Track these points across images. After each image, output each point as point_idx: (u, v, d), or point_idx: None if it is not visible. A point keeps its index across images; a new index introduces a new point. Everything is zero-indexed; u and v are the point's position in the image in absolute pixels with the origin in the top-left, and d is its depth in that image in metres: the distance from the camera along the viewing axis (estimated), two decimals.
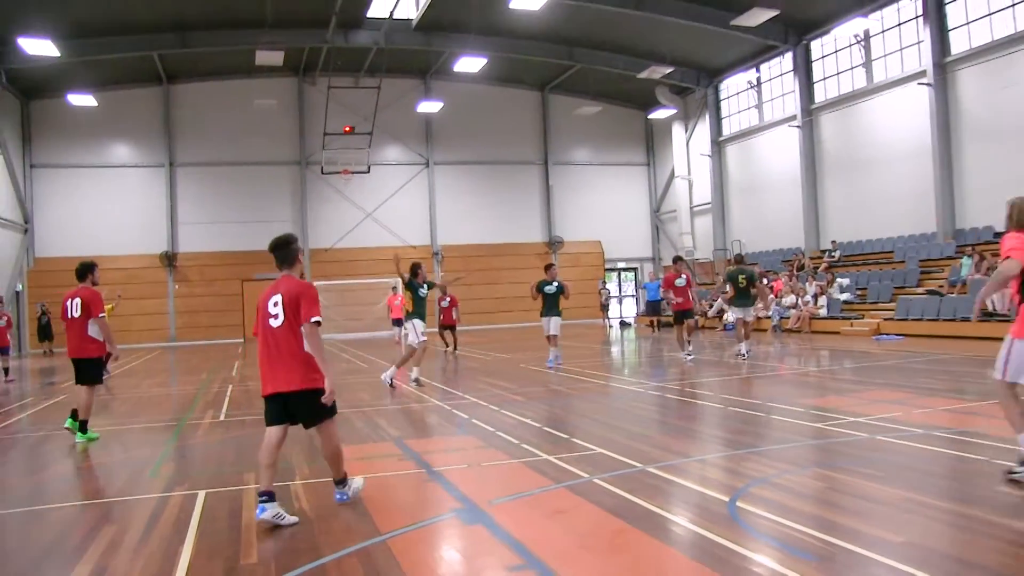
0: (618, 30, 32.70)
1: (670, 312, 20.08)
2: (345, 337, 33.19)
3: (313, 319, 6.11)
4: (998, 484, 6.11)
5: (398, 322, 27.00)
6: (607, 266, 41.20)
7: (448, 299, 23.50)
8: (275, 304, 6.19)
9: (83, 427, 10.17)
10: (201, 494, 7.09)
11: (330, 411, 6.30)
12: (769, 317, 26.25)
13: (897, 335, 20.90)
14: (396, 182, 38.87)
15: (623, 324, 35.21)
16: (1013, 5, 23.37)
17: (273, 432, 6.25)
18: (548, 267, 17.50)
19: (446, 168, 39.40)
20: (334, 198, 38.03)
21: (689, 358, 16.64)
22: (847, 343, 20.31)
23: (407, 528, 5.74)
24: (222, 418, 11.95)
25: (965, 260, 22.18)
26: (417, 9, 31.55)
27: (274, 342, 6.15)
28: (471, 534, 5.68)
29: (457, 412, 11.31)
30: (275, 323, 6.15)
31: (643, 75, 32.07)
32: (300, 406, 6.20)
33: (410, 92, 37.85)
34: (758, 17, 25.80)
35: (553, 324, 16.94)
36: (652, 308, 27.55)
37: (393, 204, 38.75)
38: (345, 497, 6.54)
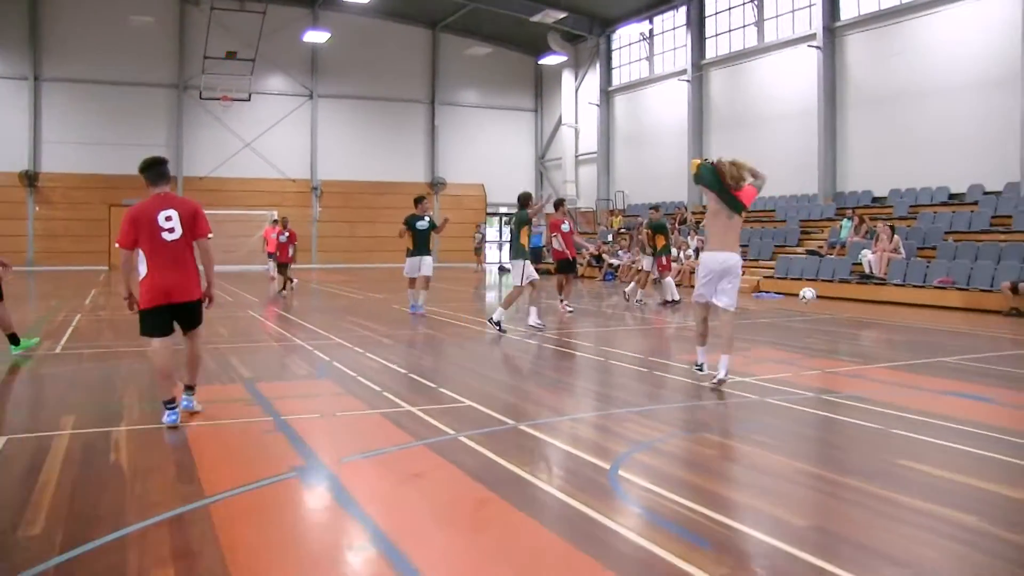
0: None
1: (550, 260, 19.51)
2: (216, 269, 31.30)
3: (209, 234, 6.66)
4: (900, 457, 5.55)
5: (273, 256, 25.25)
6: (489, 210, 40.36)
7: (287, 234, 21.11)
8: (168, 219, 6.36)
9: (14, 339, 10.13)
10: (0, 440, 5.95)
11: (201, 318, 6.80)
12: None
13: (776, 293, 20.83)
14: (278, 113, 36.81)
15: (502, 270, 34.50)
16: None
17: (167, 342, 6.51)
18: (419, 200, 15.51)
19: (330, 101, 37.54)
20: (212, 125, 35.73)
21: (570, 309, 15.82)
22: None
23: (237, 490, 4.78)
24: (58, 350, 10.60)
25: (845, 222, 22.25)
26: None
27: (170, 255, 6.38)
28: (311, 501, 4.78)
29: (318, 353, 10.30)
30: (171, 236, 6.37)
31: (536, 19, 31.06)
32: (188, 314, 6.63)
33: (297, 20, 35.67)
34: None
35: (425, 264, 15.11)
36: (535, 255, 26.82)
37: (274, 135, 36.71)
38: (191, 405, 6.72)
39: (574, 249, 16.38)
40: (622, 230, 31.01)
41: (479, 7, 34.20)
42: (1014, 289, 16.28)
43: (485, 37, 36.92)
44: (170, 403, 6.35)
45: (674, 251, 25.75)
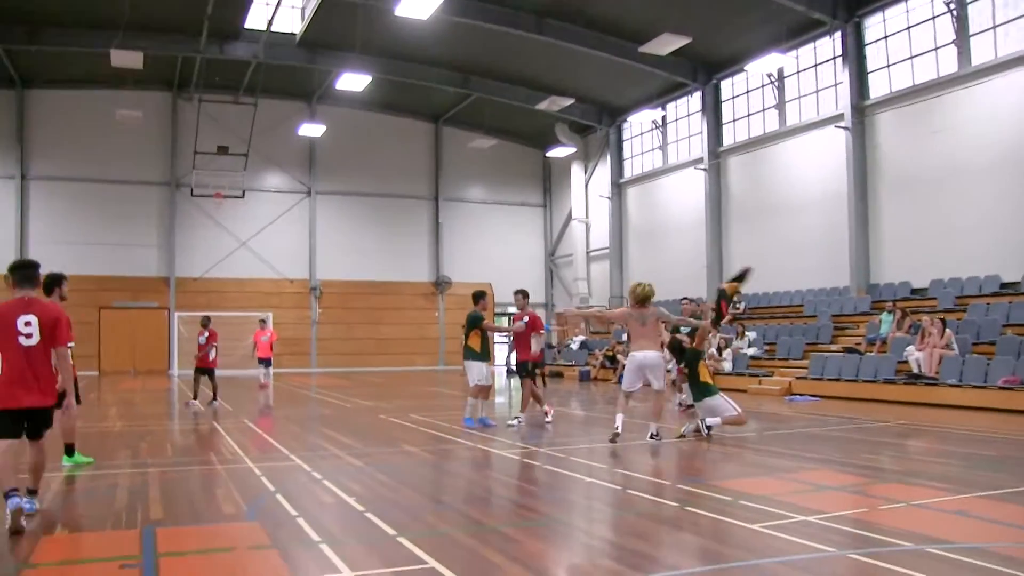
0: (518, 60, 30.40)
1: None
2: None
3: (69, 344, 6.72)
4: None
5: (265, 362, 23.62)
6: (497, 310, 38.37)
7: (205, 334, 18.12)
8: (28, 324, 6.39)
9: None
10: None
11: (50, 423, 6.70)
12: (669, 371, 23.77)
13: (811, 396, 18.62)
14: (275, 211, 35.35)
15: (510, 372, 32.36)
16: (935, 49, 21.86)
17: (8, 444, 6.33)
18: (479, 297, 13.58)
19: (329, 198, 36.13)
20: (206, 224, 34.27)
21: (512, 422, 13.18)
22: (756, 403, 17.86)
23: None
24: None
25: (884, 316, 20.19)
26: (301, 21, 28.70)
27: (26, 360, 6.36)
28: None
29: (264, 480, 8.23)
30: (28, 342, 6.38)
31: (542, 106, 29.68)
32: (36, 420, 6.51)
33: (293, 115, 34.49)
34: (667, 45, 23.63)
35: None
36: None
37: (270, 234, 35.18)
38: (33, 507, 6.49)
39: (528, 350, 13.83)
40: None
41: (483, 97, 33.01)
42: None
43: (490, 130, 35.57)
44: (12, 491, 6.05)
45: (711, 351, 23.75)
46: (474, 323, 12.99)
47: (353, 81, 27.10)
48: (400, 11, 21.60)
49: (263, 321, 23.33)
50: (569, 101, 29.14)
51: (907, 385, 17.53)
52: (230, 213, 34.07)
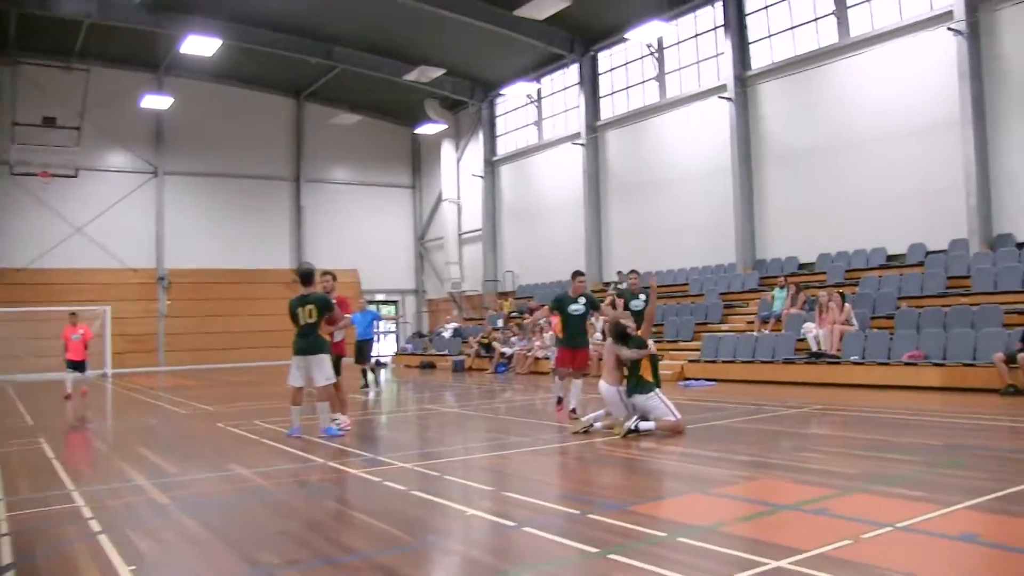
0: (385, 28, 27.83)
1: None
2: (32, 378, 25.70)
3: None
4: None
5: (77, 366, 18.34)
6: (365, 298, 35.77)
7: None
8: None
9: None
10: None
11: None
12: (547, 358, 21.92)
13: (707, 380, 17.02)
14: (116, 192, 31.53)
15: (378, 364, 29.87)
16: (816, 20, 20.67)
17: None
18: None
19: (179, 179, 32.56)
20: (33, 207, 30.13)
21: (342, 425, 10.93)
22: None
23: None
24: None
25: (777, 292, 18.81)
26: None
27: None
28: None
29: (4, 542, 5.65)
30: None
31: (410, 77, 27.21)
32: None
33: (137, 86, 30.47)
34: (545, 7, 21.62)
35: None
36: (360, 350, 18.50)
37: (111, 219, 31.34)
38: None
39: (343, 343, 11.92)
40: (513, 314, 27.04)
41: (348, 70, 30.26)
42: (1011, 361, 12.89)
43: (355, 106, 32.87)
44: None
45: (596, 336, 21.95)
46: (326, 308, 10.46)
47: (200, 45, 24.03)
48: None
49: (73, 314, 19.20)
50: (440, 71, 26.77)
51: (808, 364, 16.10)
52: (62, 195, 30.10)
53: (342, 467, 8.32)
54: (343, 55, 29.71)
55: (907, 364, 14.50)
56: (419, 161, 37.16)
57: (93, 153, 30.58)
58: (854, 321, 16.29)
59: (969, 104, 17.45)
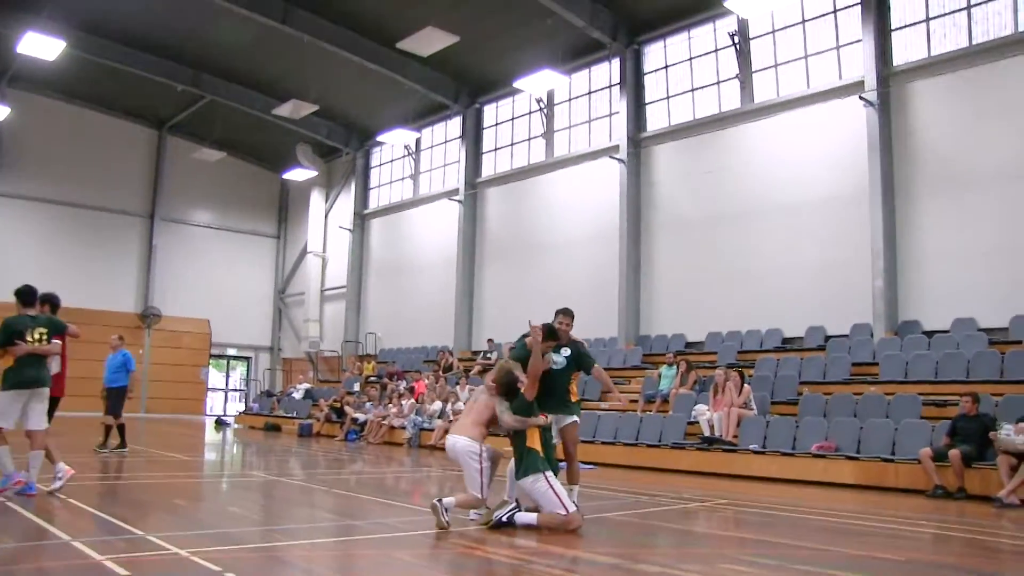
0: (259, 59, 24.86)
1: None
2: None
3: None
4: None
5: None
6: (214, 351, 31.67)
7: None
8: None
9: None
10: None
11: None
12: (403, 428, 18.71)
13: (586, 463, 14.16)
14: None
15: (220, 423, 25.89)
16: (718, 83, 18.91)
17: None
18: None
19: (14, 203, 27.90)
20: None
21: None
22: None
23: None
24: None
25: (665, 370, 16.30)
26: None
27: None
28: None
29: None
30: None
31: (281, 112, 23.93)
32: None
33: None
34: (431, 42, 18.96)
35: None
36: (115, 399, 13.96)
37: None
38: None
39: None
40: (371, 379, 23.72)
41: (217, 103, 26.87)
42: (939, 458, 10.62)
43: (224, 144, 29.25)
44: None
45: (437, 405, 18.91)
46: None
47: (41, 46, 20.01)
48: None
49: None
50: (312, 108, 23.66)
51: (701, 451, 13.50)
52: None
53: (90, 552, 5.02)
54: (211, 84, 26.35)
55: (815, 456, 12.08)
56: (286, 210, 33.69)
57: None
58: (753, 405, 13.88)
59: (879, 179, 15.73)
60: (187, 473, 12.06)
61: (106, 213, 29.72)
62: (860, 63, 16.12)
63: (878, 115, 15.73)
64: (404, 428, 18.66)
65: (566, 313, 8.04)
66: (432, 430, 17.88)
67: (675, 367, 16.10)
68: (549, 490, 6.77)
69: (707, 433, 13.84)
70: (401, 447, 18.27)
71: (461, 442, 7.02)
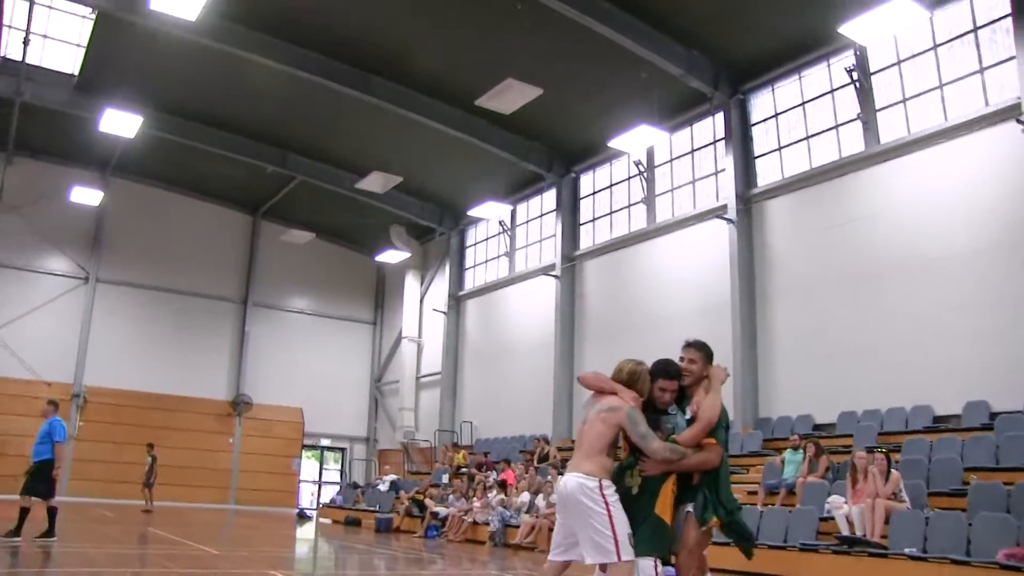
0: (343, 136, 23.61)
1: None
2: None
3: None
4: None
5: None
6: (307, 441, 29.85)
7: None
8: None
9: None
10: None
11: None
12: (487, 523, 16.05)
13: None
14: (39, 295, 26.48)
15: (302, 516, 23.85)
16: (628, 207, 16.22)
17: None
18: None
19: (112, 289, 27.41)
20: None
21: None
22: None
23: None
24: None
25: (789, 455, 13.25)
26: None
27: None
28: None
29: None
30: None
31: (364, 186, 22.49)
32: None
33: (72, 183, 25.86)
34: (512, 97, 16.97)
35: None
36: (39, 475, 11.20)
37: (29, 323, 26.16)
38: None
39: None
40: (462, 469, 21.20)
41: (308, 185, 25.81)
42: None
43: (319, 229, 28.13)
44: None
45: (525, 496, 16.24)
46: None
47: (120, 123, 19.28)
48: (155, 5, 14.50)
49: None
50: (397, 179, 22.13)
51: (838, 554, 10.33)
52: None
53: None
54: (298, 164, 25.27)
55: (1004, 567, 8.80)
56: (382, 295, 32.05)
57: (14, 248, 25.78)
58: (905, 496, 10.67)
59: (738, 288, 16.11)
60: (211, 570, 9.78)
61: (200, 299, 28.76)
62: (1017, 81, 13.12)
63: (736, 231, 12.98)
64: (488, 523, 16.00)
65: (699, 348, 5.28)
66: (519, 527, 15.17)
67: (801, 451, 13.00)
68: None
69: (845, 531, 10.70)
70: (483, 545, 15.60)
71: (572, 482, 4.70)
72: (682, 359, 5.14)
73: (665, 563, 4.88)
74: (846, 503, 11.03)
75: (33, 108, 22.08)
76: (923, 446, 12.46)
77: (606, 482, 4.69)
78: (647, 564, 4.63)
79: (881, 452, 11.03)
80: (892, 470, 10.78)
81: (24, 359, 25.90)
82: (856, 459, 11.16)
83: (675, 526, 4.95)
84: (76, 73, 22.27)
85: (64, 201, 24.93)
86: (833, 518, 11.07)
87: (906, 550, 9.69)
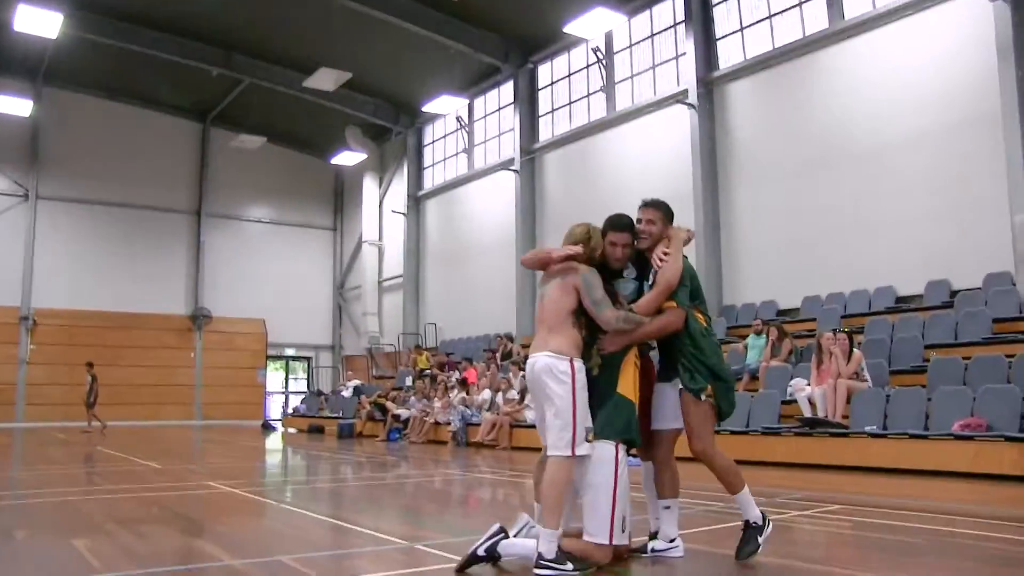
0: (291, 34, 22.54)
1: None
2: None
3: None
4: None
5: None
6: (271, 351, 29.58)
7: None
8: None
9: None
10: None
11: None
12: (449, 423, 15.98)
13: (636, 456, 11.17)
14: None
15: (266, 427, 23.79)
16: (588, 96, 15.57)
17: None
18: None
19: (55, 206, 26.44)
20: None
21: None
22: None
23: None
24: None
25: (752, 339, 13.18)
26: None
27: None
28: None
29: None
30: None
31: (313, 83, 21.57)
32: None
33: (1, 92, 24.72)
34: None
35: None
36: None
37: None
38: None
39: None
40: (425, 372, 21.01)
41: (257, 87, 24.73)
42: None
43: (268, 132, 27.04)
44: None
45: (486, 394, 16.12)
46: None
47: (39, 21, 18.00)
48: None
49: None
50: (346, 76, 21.20)
51: (800, 436, 10.30)
52: None
53: None
54: (245, 65, 24.16)
55: (961, 438, 8.78)
56: (342, 200, 31.35)
57: None
58: (867, 375, 10.60)
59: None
60: (144, 485, 9.51)
61: (150, 211, 27.82)
62: None
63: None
64: (449, 423, 15.92)
65: (657, 207, 4.77)
66: (478, 424, 15.11)
67: (764, 335, 12.91)
68: (608, 485, 4.04)
69: (808, 413, 10.67)
70: (445, 446, 15.55)
71: (541, 362, 4.28)
72: (640, 220, 4.72)
73: (630, 453, 4.49)
74: (808, 385, 10.96)
75: None
76: (885, 326, 12.41)
77: (578, 363, 4.28)
78: (606, 448, 4.23)
79: (843, 332, 10.91)
80: (854, 350, 10.68)
81: None
82: (822, 340, 11.04)
83: (660, 410, 4.63)
84: None
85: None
86: (796, 401, 11.02)
87: (866, 428, 9.66)
